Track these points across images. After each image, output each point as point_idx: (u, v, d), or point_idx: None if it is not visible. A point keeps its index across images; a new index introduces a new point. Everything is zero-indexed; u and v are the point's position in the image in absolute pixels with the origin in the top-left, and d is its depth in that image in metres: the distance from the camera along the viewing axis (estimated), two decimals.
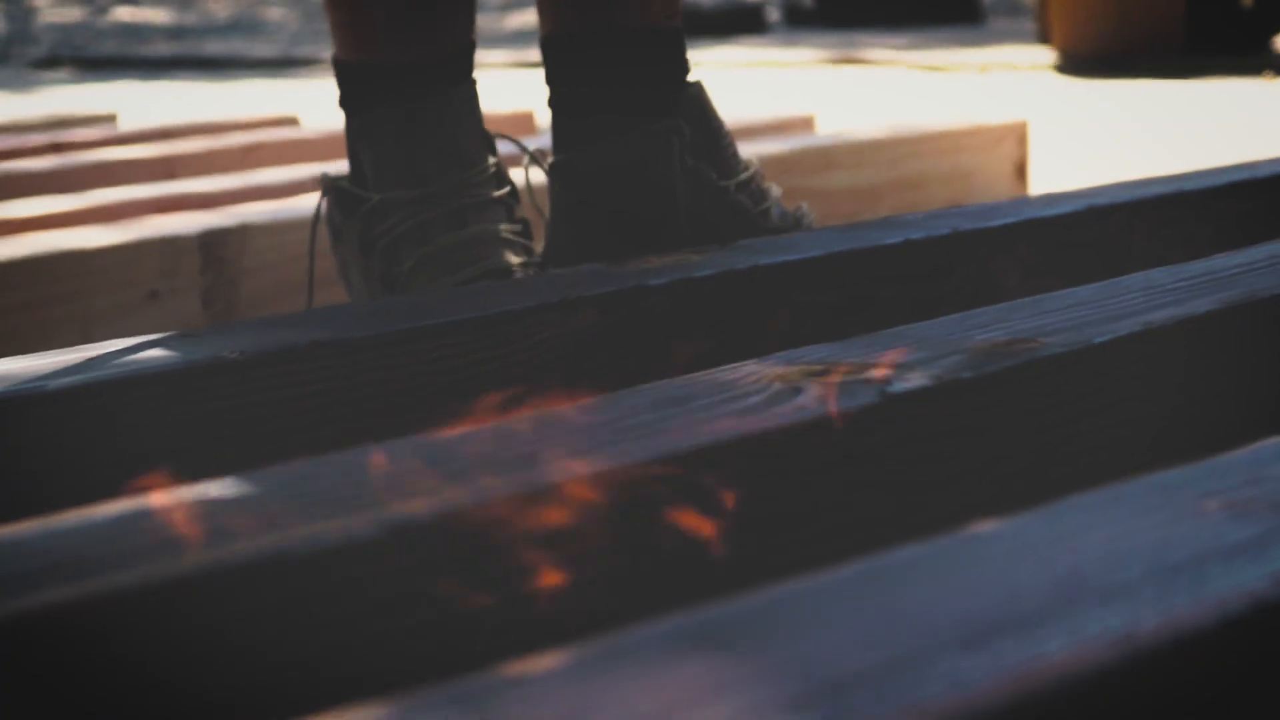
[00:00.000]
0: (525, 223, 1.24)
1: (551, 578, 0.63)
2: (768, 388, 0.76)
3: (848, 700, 0.41)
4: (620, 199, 1.22)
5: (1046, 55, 4.84)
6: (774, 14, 7.47)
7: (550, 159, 1.26)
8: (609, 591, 0.63)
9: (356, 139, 1.24)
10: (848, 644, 0.44)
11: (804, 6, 6.99)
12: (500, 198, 1.23)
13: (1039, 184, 2.46)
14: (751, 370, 0.79)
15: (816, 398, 0.73)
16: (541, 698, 0.41)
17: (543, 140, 2.11)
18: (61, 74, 5.57)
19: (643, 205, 1.22)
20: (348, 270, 1.26)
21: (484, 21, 8.10)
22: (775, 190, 1.30)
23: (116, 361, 0.88)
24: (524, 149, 1.30)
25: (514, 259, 1.20)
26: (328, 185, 1.27)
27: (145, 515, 0.62)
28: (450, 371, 0.97)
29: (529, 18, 8.21)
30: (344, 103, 1.26)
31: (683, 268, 1.08)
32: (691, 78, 1.27)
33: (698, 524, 0.67)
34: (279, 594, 0.57)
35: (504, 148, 2.06)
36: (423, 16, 1.23)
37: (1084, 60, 4.60)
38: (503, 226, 1.21)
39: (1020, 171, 2.24)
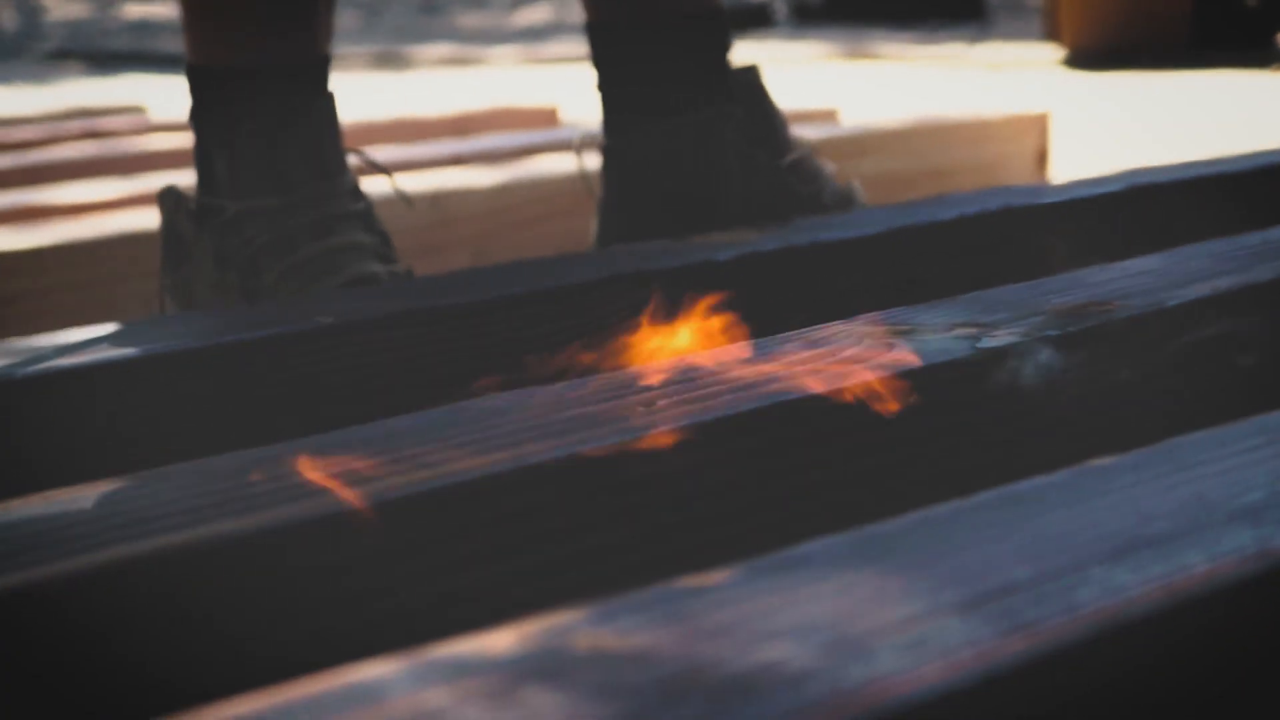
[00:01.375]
0: (384, 235, 1.19)
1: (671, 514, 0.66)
2: (859, 344, 0.78)
3: (1011, 605, 0.44)
4: (673, 182, 1.24)
5: (1054, 51, 4.87)
6: (781, 10, 7.50)
7: (603, 143, 1.27)
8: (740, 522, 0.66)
9: (212, 147, 1.17)
10: (1003, 557, 0.47)
11: (811, 4, 7.02)
12: (359, 211, 1.17)
13: (1058, 173, 2.49)
14: (840, 329, 0.82)
15: (911, 351, 0.76)
16: (722, 604, 0.44)
17: (566, 134, 2.13)
18: (74, 69, 5.59)
19: (696, 188, 1.24)
20: (191, 289, 1.18)
21: (492, 19, 8.13)
22: (830, 167, 1.32)
23: (204, 328, 0.91)
24: (377, 167, 1.23)
25: (379, 267, 1.15)
26: (171, 201, 1.18)
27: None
28: (528, 340, 0.99)
29: (536, 15, 8.24)
30: (197, 112, 1.18)
31: (746, 244, 1.11)
32: (747, 62, 1.29)
33: (797, 468, 0.70)
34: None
35: (536, 136, 2.09)
36: (285, 20, 1.17)
37: (1093, 56, 4.63)
38: (364, 237, 1.16)
39: (1041, 161, 2.27)
